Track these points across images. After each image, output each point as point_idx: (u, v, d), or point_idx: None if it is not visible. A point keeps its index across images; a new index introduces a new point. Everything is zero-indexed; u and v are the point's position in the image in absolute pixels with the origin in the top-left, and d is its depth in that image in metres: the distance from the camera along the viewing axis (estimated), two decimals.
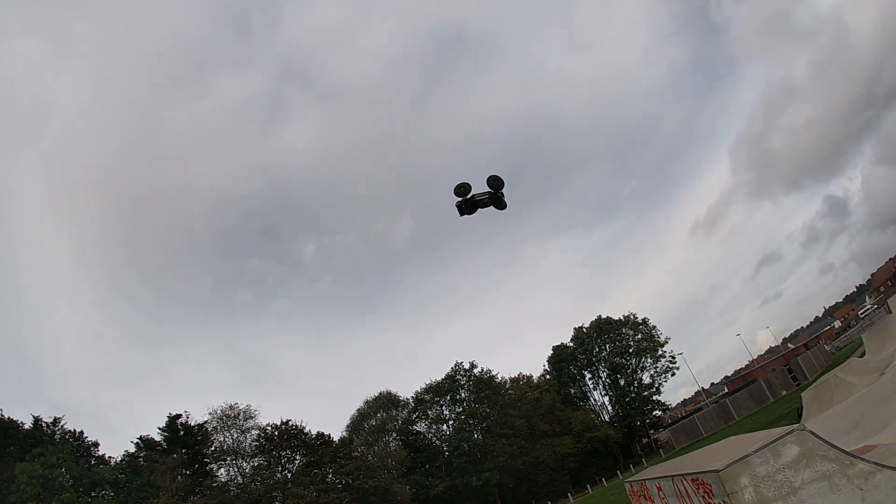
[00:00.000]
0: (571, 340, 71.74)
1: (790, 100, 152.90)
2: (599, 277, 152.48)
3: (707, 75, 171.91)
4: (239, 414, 56.67)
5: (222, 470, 56.58)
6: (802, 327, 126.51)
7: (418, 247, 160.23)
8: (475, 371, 63.64)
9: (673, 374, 72.21)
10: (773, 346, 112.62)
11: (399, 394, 64.68)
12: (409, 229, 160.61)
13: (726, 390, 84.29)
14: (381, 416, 61.39)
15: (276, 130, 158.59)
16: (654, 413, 72.90)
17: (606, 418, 71.18)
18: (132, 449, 53.66)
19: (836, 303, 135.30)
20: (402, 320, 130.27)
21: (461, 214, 12.84)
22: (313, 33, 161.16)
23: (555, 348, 71.44)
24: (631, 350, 72.15)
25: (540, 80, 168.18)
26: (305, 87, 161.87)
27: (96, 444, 54.58)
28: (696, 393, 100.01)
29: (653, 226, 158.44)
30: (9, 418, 52.81)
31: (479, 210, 13.26)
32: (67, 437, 53.35)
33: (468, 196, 12.79)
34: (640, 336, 73.01)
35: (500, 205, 12.66)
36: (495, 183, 12.66)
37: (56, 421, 54.07)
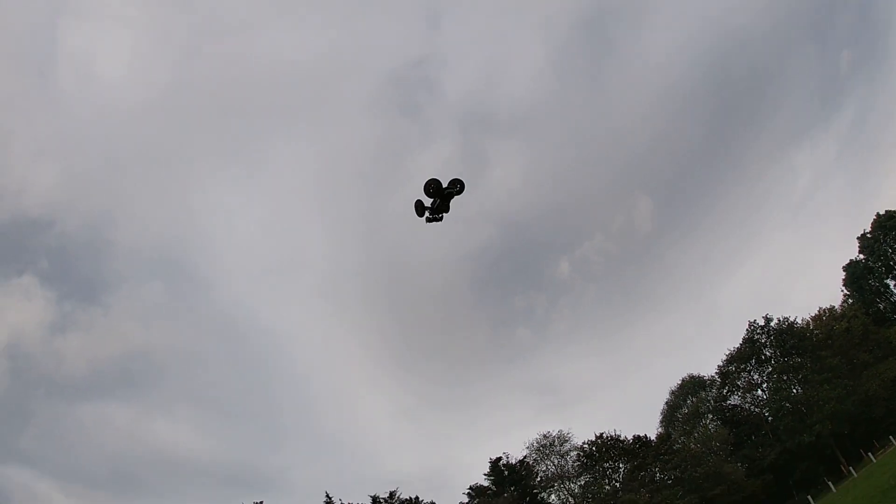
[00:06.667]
0: (860, 252, 61.84)
1: None
2: (860, 169, 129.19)
3: None
4: (554, 441, 56.95)
5: (553, 496, 57.18)
6: None
7: (665, 222, 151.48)
8: (772, 324, 57.32)
9: None
10: None
11: (702, 374, 60.48)
12: (650, 208, 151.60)
13: None
14: (692, 401, 57.70)
15: (485, 178, 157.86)
16: None
17: None
18: (465, 500, 55.95)
19: None
20: (677, 299, 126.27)
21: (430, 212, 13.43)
22: (474, 81, 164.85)
23: (845, 268, 62.35)
24: None
25: (695, 5, 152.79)
26: (489, 129, 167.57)
27: None
28: None
29: (891, 84, 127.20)
30: (349, 503, 57.63)
31: None
32: None
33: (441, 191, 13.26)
34: None
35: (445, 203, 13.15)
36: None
37: (392, 495, 58.45)
